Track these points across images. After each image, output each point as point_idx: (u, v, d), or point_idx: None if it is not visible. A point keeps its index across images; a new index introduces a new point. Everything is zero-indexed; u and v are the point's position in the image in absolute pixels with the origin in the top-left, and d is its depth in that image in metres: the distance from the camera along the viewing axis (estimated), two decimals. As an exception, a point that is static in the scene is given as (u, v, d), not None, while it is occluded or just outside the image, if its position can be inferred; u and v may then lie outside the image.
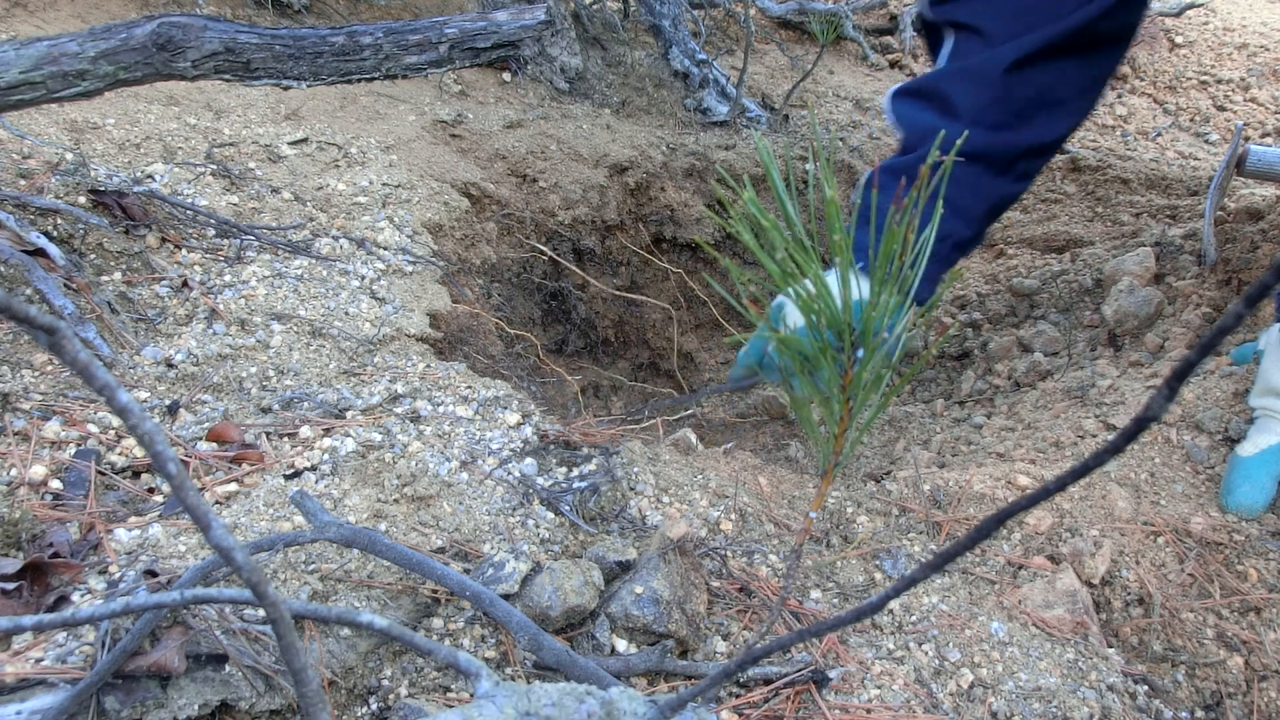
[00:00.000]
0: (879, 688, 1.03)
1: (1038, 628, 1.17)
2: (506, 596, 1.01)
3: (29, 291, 1.37)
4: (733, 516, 1.28)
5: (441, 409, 1.41)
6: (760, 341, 1.16)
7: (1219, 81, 4.29)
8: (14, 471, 1.13)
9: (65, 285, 1.43)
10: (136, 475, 1.21)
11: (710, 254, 2.44)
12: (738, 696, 1.00)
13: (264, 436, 1.31)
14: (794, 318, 1.15)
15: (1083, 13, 1.05)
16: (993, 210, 1.15)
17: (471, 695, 0.71)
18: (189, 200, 1.81)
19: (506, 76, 3.05)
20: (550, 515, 1.20)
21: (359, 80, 1.73)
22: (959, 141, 0.81)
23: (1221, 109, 4.12)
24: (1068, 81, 1.10)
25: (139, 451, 1.24)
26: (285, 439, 1.31)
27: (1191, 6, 4.61)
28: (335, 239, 1.86)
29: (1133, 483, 1.48)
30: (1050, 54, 1.07)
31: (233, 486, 1.21)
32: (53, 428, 1.22)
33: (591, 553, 1.12)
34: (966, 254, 1.17)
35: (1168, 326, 2.09)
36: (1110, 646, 1.20)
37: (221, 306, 1.56)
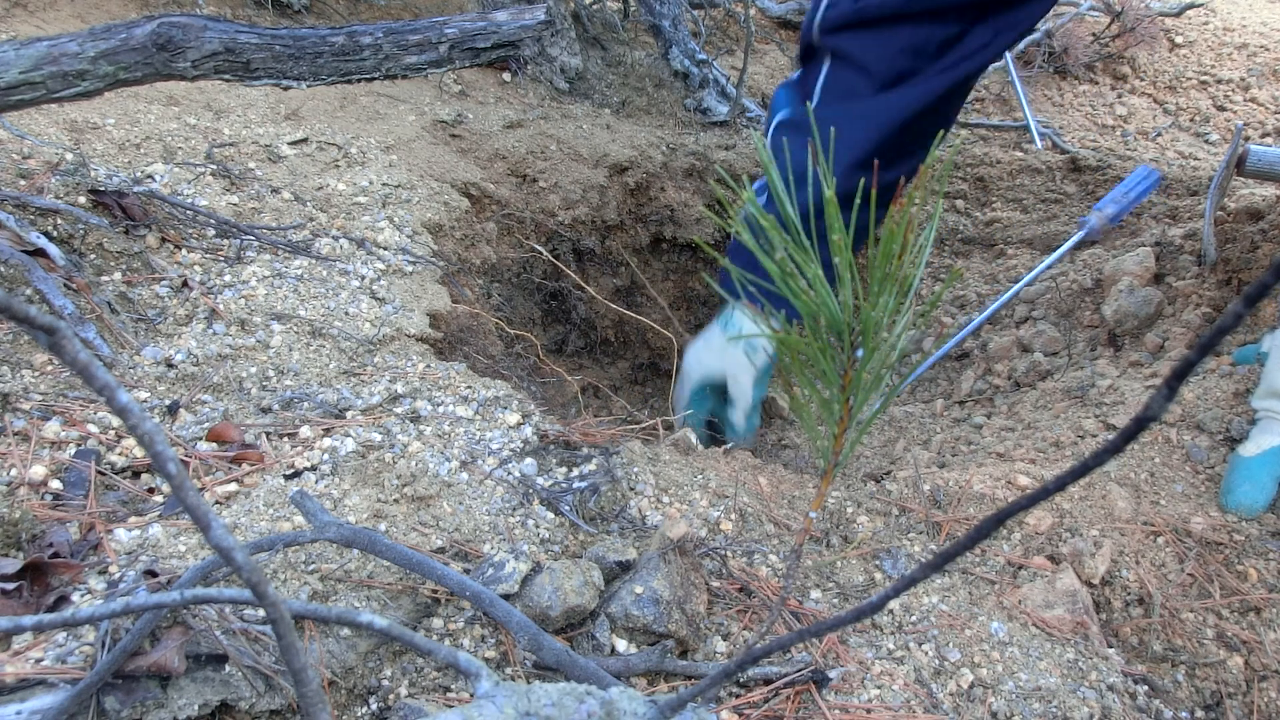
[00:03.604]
0: (879, 688, 1.03)
1: (1038, 628, 1.17)
2: (506, 596, 1.01)
3: (29, 291, 1.37)
4: (733, 516, 1.28)
5: (441, 409, 1.41)
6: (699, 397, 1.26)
7: (1219, 81, 4.29)
8: (14, 471, 1.13)
9: (65, 285, 1.43)
10: (136, 475, 1.21)
11: (710, 254, 2.44)
12: (738, 696, 1.00)
13: (264, 436, 1.31)
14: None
15: (973, 63, 1.11)
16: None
17: (471, 695, 0.71)
18: (189, 200, 1.82)
19: (506, 76, 3.05)
20: (550, 515, 1.20)
21: (359, 80, 1.72)
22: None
23: (1221, 109, 4.12)
24: (936, 125, 1.15)
25: (139, 451, 1.24)
26: (285, 439, 1.31)
27: (1191, 6, 4.61)
28: (335, 239, 1.86)
29: (1133, 483, 1.48)
30: (937, 103, 1.11)
31: (233, 486, 1.21)
32: (53, 428, 1.22)
33: (591, 553, 1.12)
34: None
35: (1168, 326, 2.09)
36: (1110, 646, 1.20)
37: (221, 306, 1.56)
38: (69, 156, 1.74)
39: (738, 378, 1.29)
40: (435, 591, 1.04)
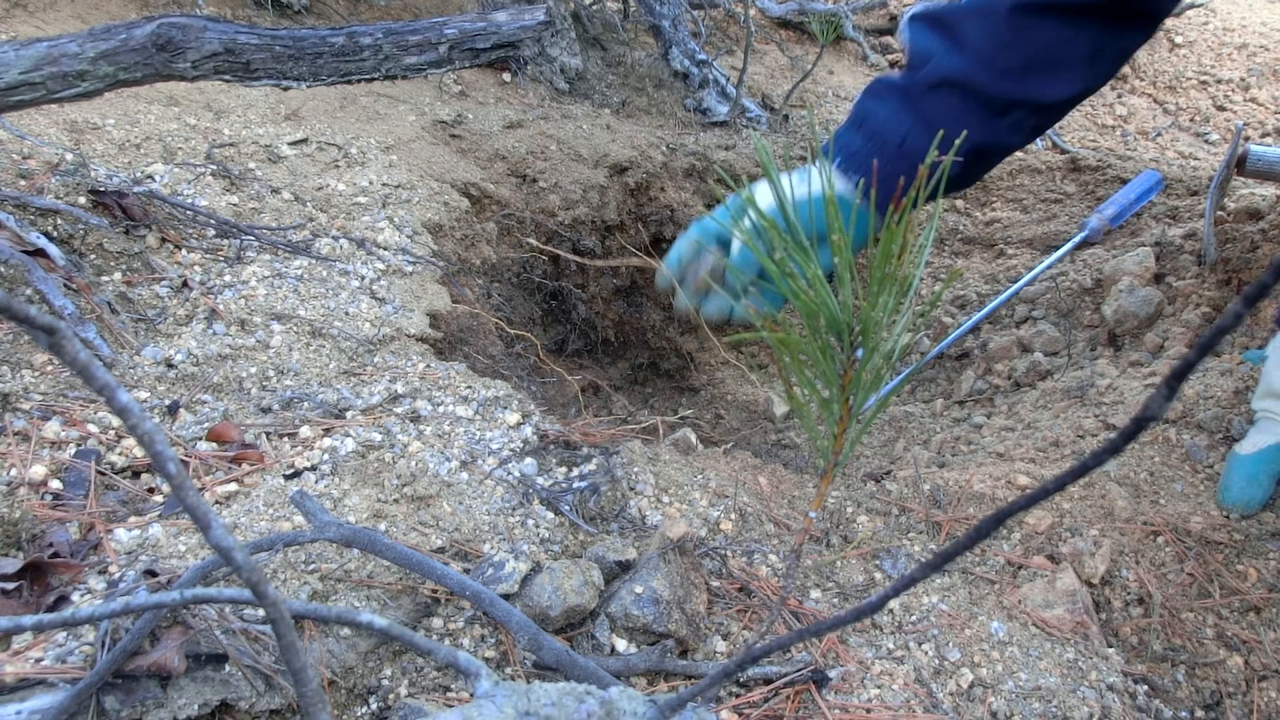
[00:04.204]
0: (879, 687, 1.03)
1: (1038, 627, 1.17)
2: (506, 596, 1.01)
3: (29, 292, 1.37)
4: (733, 516, 1.28)
5: (441, 409, 1.41)
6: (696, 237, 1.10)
7: (1219, 81, 4.29)
8: (14, 471, 1.13)
9: (65, 285, 1.43)
10: (136, 475, 1.22)
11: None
12: (738, 696, 1.00)
13: (264, 436, 1.31)
14: (763, 199, 1.07)
15: None
16: (977, 151, 1.10)
17: (471, 695, 0.71)
18: (189, 200, 1.82)
19: (506, 77, 3.05)
20: (550, 515, 1.20)
21: (359, 81, 1.72)
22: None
23: (1221, 109, 4.12)
24: (1076, 44, 1.08)
25: (139, 451, 1.24)
26: (285, 439, 1.31)
27: (1191, 6, 4.61)
28: (335, 239, 1.87)
29: (1132, 482, 1.48)
30: (1064, 10, 1.04)
31: (232, 486, 1.21)
32: (53, 428, 1.22)
33: (591, 552, 1.12)
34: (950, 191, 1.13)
35: (1167, 326, 2.09)
36: (1110, 646, 1.20)
37: (221, 307, 1.56)
38: (69, 157, 1.74)
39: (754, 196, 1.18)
40: (435, 591, 1.04)
